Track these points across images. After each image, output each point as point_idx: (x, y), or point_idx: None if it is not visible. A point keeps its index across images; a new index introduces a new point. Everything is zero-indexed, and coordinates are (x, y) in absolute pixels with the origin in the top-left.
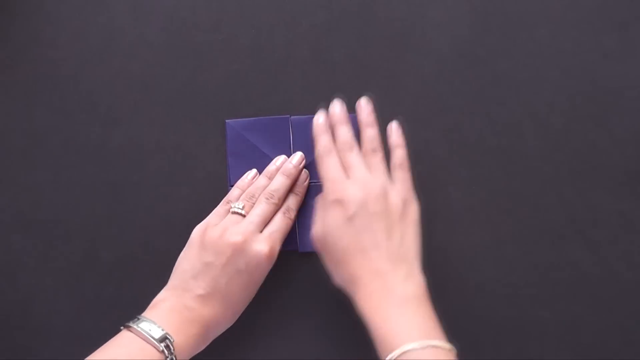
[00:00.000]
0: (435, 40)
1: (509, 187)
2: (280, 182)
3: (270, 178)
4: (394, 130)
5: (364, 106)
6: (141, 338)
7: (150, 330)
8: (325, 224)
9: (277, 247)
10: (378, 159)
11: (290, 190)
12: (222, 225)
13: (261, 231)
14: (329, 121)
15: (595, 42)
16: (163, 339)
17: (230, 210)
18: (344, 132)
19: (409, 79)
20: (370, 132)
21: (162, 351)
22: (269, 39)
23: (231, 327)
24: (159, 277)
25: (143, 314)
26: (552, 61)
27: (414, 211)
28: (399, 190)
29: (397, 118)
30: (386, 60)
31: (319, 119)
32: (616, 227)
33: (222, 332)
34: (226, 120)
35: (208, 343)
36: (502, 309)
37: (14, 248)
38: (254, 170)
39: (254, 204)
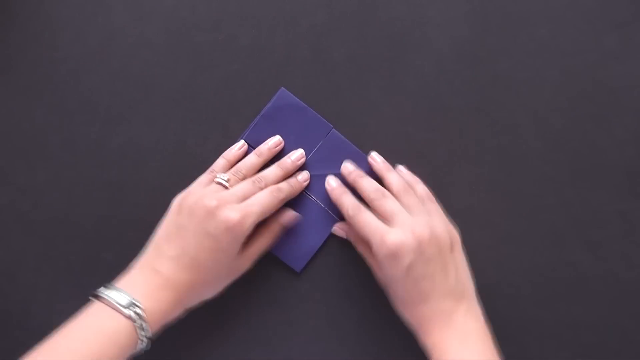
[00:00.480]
0: (435, 40)
1: (509, 187)
2: (272, 171)
3: (260, 156)
4: (404, 170)
5: (377, 157)
6: (109, 306)
7: (116, 297)
8: (384, 274)
9: (250, 220)
10: (413, 197)
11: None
12: (201, 192)
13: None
14: (348, 178)
15: (595, 42)
16: (130, 304)
17: (215, 180)
18: (369, 183)
19: (409, 79)
20: (393, 176)
21: (129, 316)
22: (269, 39)
23: (231, 327)
24: None
25: (113, 282)
26: (552, 61)
27: (458, 241)
28: (441, 223)
29: (397, 118)
30: (386, 60)
31: (332, 183)
32: (616, 227)
33: (199, 300)
34: (282, 87)
35: (184, 309)
36: (502, 309)
37: (14, 248)
38: (244, 144)
39: (239, 180)
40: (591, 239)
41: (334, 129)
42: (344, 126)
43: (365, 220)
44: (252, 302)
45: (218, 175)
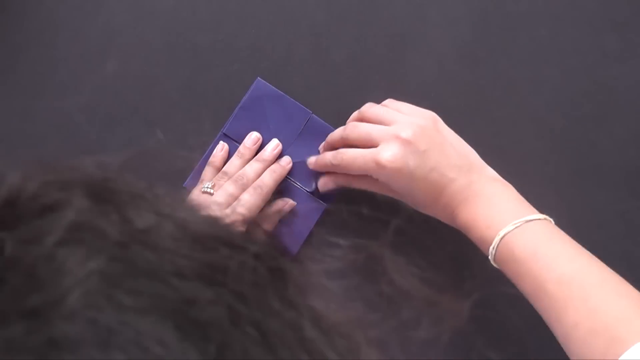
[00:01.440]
0: (435, 40)
1: None
2: (252, 167)
3: (242, 157)
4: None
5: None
6: None
7: None
8: (395, 188)
9: (237, 225)
10: (375, 108)
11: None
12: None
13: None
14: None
15: (595, 42)
16: None
17: (201, 191)
18: (335, 134)
19: (409, 79)
20: (344, 127)
21: None
22: (269, 39)
23: None
24: None
25: None
26: (552, 61)
27: (437, 118)
28: (413, 112)
29: None
30: (386, 60)
31: (311, 160)
32: (616, 227)
33: None
34: (259, 77)
35: None
36: (502, 309)
37: None
38: (225, 145)
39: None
40: (591, 239)
41: (313, 114)
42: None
43: (351, 156)
44: None
45: (203, 186)
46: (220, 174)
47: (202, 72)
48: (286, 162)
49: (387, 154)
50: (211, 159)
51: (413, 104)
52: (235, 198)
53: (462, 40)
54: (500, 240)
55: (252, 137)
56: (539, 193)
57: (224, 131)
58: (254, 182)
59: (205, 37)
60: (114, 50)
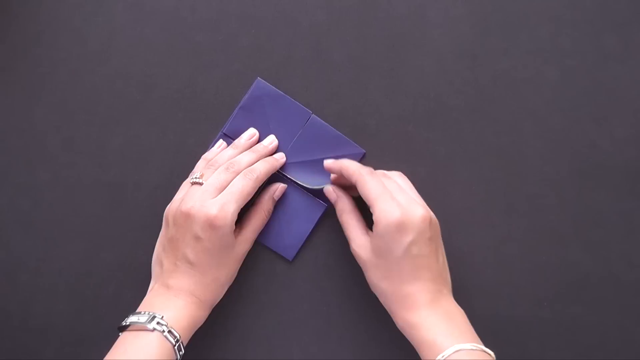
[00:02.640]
0: (435, 40)
1: (509, 187)
2: (245, 155)
3: (235, 149)
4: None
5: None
6: (134, 330)
7: (136, 319)
8: (377, 245)
9: (230, 209)
10: (400, 180)
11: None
12: (180, 198)
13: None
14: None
15: (595, 42)
16: (151, 319)
17: (190, 182)
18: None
19: (409, 79)
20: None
21: (154, 329)
22: (269, 39)
23: (231, 327)
24: None
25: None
26: (552, 61)
27: (438, 227)
28: (428, 209)
29: (397, 118)
30: (386, 60)
31: (329, 160)
32: (616, 227)
33: (220, 293)
34: (258, 77)
35: (210, 308)
36: (502, 309)
37: (14, 248)
38: (223, 143)
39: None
40: (591, 239)
41: (313, 115)
42: (344, 126)
43: (373, 183)
44: (252, 302)
45: (192, 176)
46: (208, 164)
47: (202, 72)
48: (280, 156)
49: (403, 211)
50: (207, 154)
51: (413, 104)
52: (228, 183)
53: (462, 40)
54: (453, 353)
55: (249, 132)
56: (539, 193)
57: (224, 131)
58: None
59: (205, 37)
60: (114, 50)
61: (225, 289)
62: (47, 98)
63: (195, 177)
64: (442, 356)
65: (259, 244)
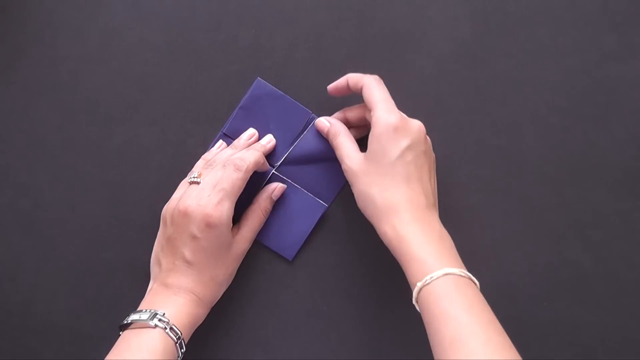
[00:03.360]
0: (435, 40)
1: (509, 187)
2: (240, 152)
3: (234, 149)
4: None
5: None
6: (136, 328)
7: (138, 317)
8: (373, 148)
9: (225, 205)
10: None
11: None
12: (178, 197)
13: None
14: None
15: (595, 42)
16: (152, 316)
17: (188, 181)
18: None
19: (409, 79)
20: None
21: (156, 325)
22: (269, 39)
23: (231, 327)
24: None
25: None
26: (552, 61)
27: (432, 149)
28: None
29: None
30: (386, 60)
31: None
32: (616, 227)
33: (219, 292)
34: (258, 77)
35: (209, 306)
36: (502, 309)
37: (14, 248)
38: (223, 143)
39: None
40: (591, 239)
41: (313, 114)
42: None
43: (380, 88)
44: (252, 302)
45: (190, 176)
46: (206, 163)
47: (202, 72)
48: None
49: (401, 116)
50: (206, 154)
51: (413, 104)
52: None
53: (462, 40)
54: (442, 275)
55: (249, 132)
56: (539, 193)
57: (224, 131)
58: None
59: (205, 37)
60: (114, 50)
61: (224, 288)
62: (47, 98)
63: (193, 177)
64: (431, 277)
65: (259, 244)
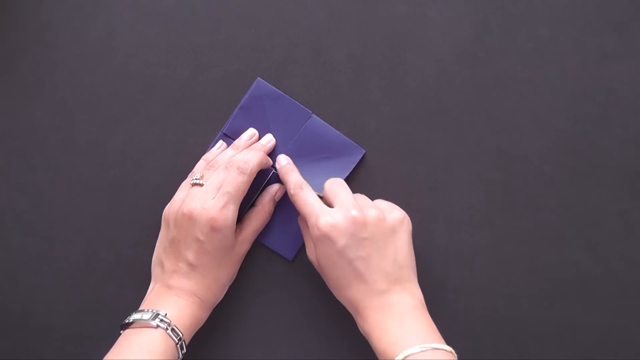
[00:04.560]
0: (435, 40)
1: (509, 187)
2: (243, 154)
3: (235, 150)
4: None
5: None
6: (137, 327)
7: (140, 316)
8: (318, 255)
9: (230, 209)
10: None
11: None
12: (181, 199)
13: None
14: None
15: (595, 42)
16: (154, 316)
17: (190, 183)
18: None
19: (409, 79)
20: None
21: (158, 326)
22: (269, 39)
23: (231, 327)
24: None
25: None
26: (552, 61)
27: (403, 224)
28: (383, 205)
29: (397, 118)
30: (386, 60)
31: (282, 161)
32: (616, 227)
33: (221, 293)
34: (258, 77)
35: (211, 308)
36: (502, 309)
37: (14, 248)
38: (223, 143)
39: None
40: (591, 239)
41: (313, 115)
42: (344, 126)
43: (305, 199)
44: (252, 302)
45: (193, 177)
46: (206, 165)
47: (202, 72)
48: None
49: (329, 219)
50: (207, 154)
51: (413, 104)
52: None
53: (462, 40)
54: (403, 359)
55: (249, 132)
56: (539, 193)
57: (223, 131)
58: None
59: (205, 37)
60: (114, 50)
61: (226, 289)
62: (47, 98)
63: (196, 178)
64: None
65: (259, 244)
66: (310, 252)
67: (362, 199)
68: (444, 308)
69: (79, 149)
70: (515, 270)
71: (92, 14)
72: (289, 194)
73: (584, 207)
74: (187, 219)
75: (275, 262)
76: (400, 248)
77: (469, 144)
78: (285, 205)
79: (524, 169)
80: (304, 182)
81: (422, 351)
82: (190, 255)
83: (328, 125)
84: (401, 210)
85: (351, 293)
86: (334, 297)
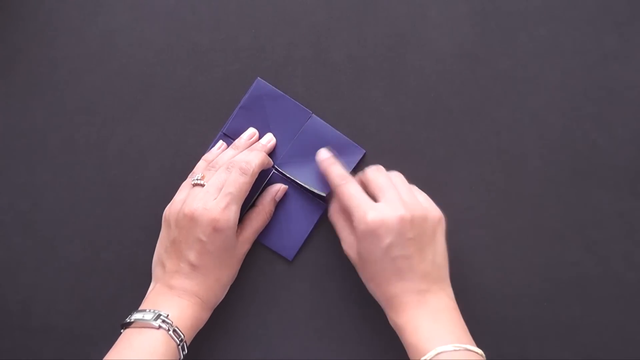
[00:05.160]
0: (435, 40)
1: (509, 187)
2: (243, 154)
3: (236, 150)
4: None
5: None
6: (138, 327)
7: (141, 316)
8: (360, 249)
9: (232, 210)
10: (399, 177)
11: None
12: (182, 199)
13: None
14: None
15: (595, 42)
16: (156, 317)
17: (191, 183)
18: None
19: (409, 79)
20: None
21: (160, 326)
22: (269, 39)
23: (231, 327)
24: None
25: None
26: (552, 61)
27: (442, 225)
28: (427, 204)
29: (397, 118)
30: (386, 60)
31: (324, 154)
32: (616, 227)
33: (222, 293)
34: (258, 77)
35: (212, 308)
36: (502, 309)
37: (14, 248)
38: (223, 144)
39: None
40: (591, 239)
41: (313, 115)
42: (344, 126)
43: (351, 191)
44: (252, 302)
45: (193, 178)
46: (207, 165)
47: (202, 72)
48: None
49: (378, 214)
50: (207, 155)
51: (413, 104)
52: None
53: (462, 40)
54: (435, 355)
55: (249, 132)
56: (539, 193)
57: (223, 131)
58: None
59: (205, 37)
60: (114, 50)
61: (227, 289)
62: (47, 98)
63: (197, 179)
64: (425, 357)
65: (259, 244)
66: (349, 246)
67: (401, 184)
68: None
69: (79, 149)
70: (515, 270)
71: (92, 14)
72: (332, 184)
73: (584, 207)
74: (189, 220)
75: (275, 262)
76: (438, 248)
77: (469, 144)
78: (286, 206)
79: (524, 169)
80: (348, 174)
81: (455, 350)
82: (192, 256)
83: (328, 125)
84: (437, 208)
85: (389, 289)
86: (334, 298)
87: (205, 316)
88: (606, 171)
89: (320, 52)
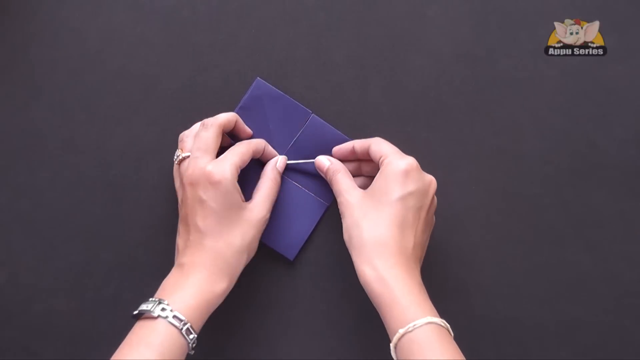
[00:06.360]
0: (435, 40)
1: (509, 187)
2: (243, 143)
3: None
4: None
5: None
6: (143, 319)
7: (146, 307)
8: (384, 183)
9: (227, 163)
10: None
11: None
12: (179, 176)
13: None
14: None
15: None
16: (154, 305)
17: (176, 163)
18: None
19: (409, 79)
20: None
21: (158, 316)
22: (269, 39)
23: (231, 327)
24: (159, 277)
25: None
26: (552, 61)
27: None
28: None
29: (397, 118)
30: (386, 60)
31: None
32: (616, 227)
33: (241, 261)
34: (258, 77)
35: (230, 278)
36: (502, 309)
37: (14, 248)
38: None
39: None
40: (591, 239)
41: (313, 114)
42: (344, 126)
43: (389, 145)
44: (252, 302)
45: (175, 159)
46: (180, 139)
47: (202, 72)
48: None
49: (417, 163)
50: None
51: (413, 104)
52: (211, 144)
53: (462, 40)
54: (424, 324)
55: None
56: (538, 193)
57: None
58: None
59: (205, 37)
60: (114, 50)
61: (245, 257)
62: (47, 98)
63: (177, 156)
64: (414, 325)
65: (260, 244)
66: (352, 193)
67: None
68: (444, 308)
69: (79, 149)
70: (515, 270)
71: (92, 14)
72: (369, 141)
73: (584, 207)
74: (190, 187)
75: (276, 262)
76: (427, 239)
77: (469, 144)
78: (287, 205)
79: (524, 169)
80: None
81: (441, 326)
82: (198, 220)
83: (328, 125)
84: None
85: (385, 233)
86: (334, 298)
87: (221, 289)
88: (606, 171)
89: (320, 52)
